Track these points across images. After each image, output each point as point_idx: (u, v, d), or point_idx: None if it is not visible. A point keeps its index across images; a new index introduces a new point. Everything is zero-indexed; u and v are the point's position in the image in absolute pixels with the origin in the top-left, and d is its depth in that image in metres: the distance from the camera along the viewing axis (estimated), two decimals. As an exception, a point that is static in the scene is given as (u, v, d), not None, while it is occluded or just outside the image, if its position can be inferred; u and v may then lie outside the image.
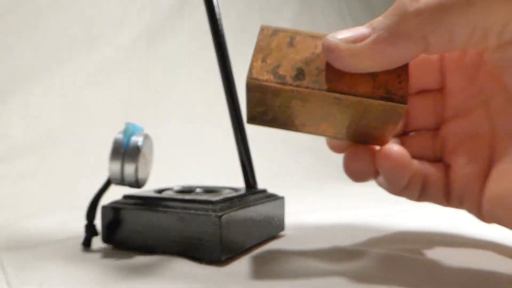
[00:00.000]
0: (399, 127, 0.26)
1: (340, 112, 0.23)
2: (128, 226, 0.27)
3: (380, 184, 0.28)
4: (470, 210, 0.27)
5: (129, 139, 0.27)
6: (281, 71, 0.22)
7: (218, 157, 0.67)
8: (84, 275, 0.22)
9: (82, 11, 0.79)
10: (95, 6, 0.82)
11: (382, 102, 0.22)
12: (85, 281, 0.22)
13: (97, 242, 0.29)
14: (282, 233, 0.34)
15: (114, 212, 0.28)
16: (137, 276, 0.22)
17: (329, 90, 0.22)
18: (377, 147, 0.26)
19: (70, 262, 0.25)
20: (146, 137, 0.27)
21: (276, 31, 0.23)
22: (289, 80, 0.22)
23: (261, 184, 0.33)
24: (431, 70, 0.29)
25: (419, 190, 0.28)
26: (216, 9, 0.29)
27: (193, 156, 0.78)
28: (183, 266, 0.24)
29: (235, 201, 0.28)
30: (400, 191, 0.27)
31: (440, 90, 0.29)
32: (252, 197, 0.30)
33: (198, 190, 0.32)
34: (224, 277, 0.23)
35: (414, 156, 0.28)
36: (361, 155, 0.26)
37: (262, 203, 0.30)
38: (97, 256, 0.26)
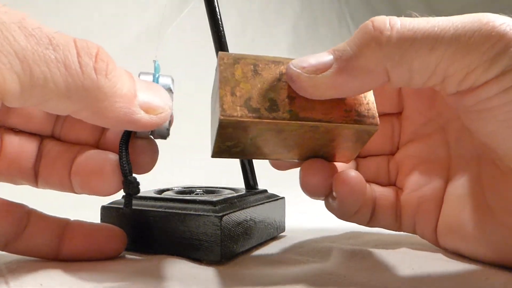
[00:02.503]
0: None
1: (313, 138, 0.23)
2: (128, 226, 0.27)
3: (329, 209, 0.27)
4: (424, 235, 0.28)
5: (158, 79, 0.24)
6: (253, 104, 0.21)
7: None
8: (84, 275, 0.22)
9: (82, 12, 0.79)
10: (96, 7, 0.82)
11: (355, 125, 0.22)
12: (85, 281, 0.21)
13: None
14: (282, 234, 0.33)
15: (114, 212, 0.28)
16: (137, 277, 0.22)
17: (305, 119, 0.22)
18: (336, 165, 0.26)
19: (70, 263, 0.24)
20: (172, 79, 0.24)
21: (236, 59, 0.22)
22: (264, 113, 0.21)
23: (261, 184, 0.33)
24: (390, 94, 0.29)
25: (369, 215, 0.28)
26: (217, 9, 0.29)
27: (193, 157, 0.78)
28: (183, 266, 0.24)
29: (235, 201, 0.28)
30: (351, 217, 0.27)
31: (398, 114, 0.30)
32: (252, 198, 0.30)
33: (198, 190, 0.32)
34: (224, 278, 0.23)
35: (366, 179, 0.28)
36: (317, 169, 0.25)
37: (262, 203, 0.30)
38: (97, 256, 0.26)
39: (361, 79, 0.21)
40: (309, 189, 0.26)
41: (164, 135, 0.24)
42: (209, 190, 0.32)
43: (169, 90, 0.23)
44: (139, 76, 0.23)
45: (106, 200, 0.29)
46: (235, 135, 0.22)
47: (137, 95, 0.21)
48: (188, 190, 0.32)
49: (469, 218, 0.24)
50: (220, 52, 0.23)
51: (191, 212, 0.25)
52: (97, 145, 0.26)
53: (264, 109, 0.21)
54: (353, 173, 0.25)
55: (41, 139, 0.25)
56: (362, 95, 0.23)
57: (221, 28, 0.29)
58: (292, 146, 0.24)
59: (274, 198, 0.32)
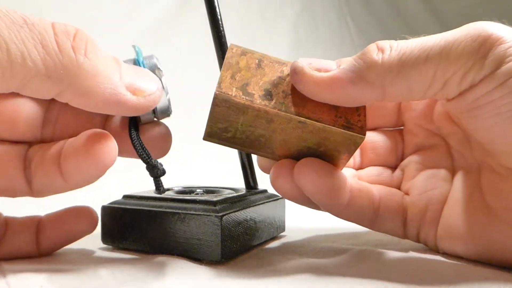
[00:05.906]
0: (351, 158, 0.26)
1: (300, 137, 0.24)
2: (128, 226, 0.27)
3: (318, 208, 0.27)
4: (427, 242, 0.27)
5: (143, 63, 0.23)
6: (249, 89, 0.23)
7: (219, 157, 0.67)
8: (84, 276, 0.22)
9: (82, 12, 0.79)
10: (96, 7, 0.82)
11: (343, 131, 0.23)
12: (85, 282, 0.21)
13: (97, 243, 0.29)
14: (282, 234, 0.33)
15: (114, 212, 0.28)
16: (138, 277, 0.22)
17: (295, 113, 0.23)
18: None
19: (70, 263, 0.25)
20: (157, 58, 0.24)
21: (244, 52, 0.24)
22: (257, 99, 0.23)
23: (261, 184, 0.33)
24: (389, 109, 0.30)
25: (371, 214, 0.27)
26: (217, 9, 0.29)
27: (194, 157, 0.78)
28: (183, 266, 0.24)
29: (235, 201, 0.28)
30: (340, 212, 0.26)
31: (400, 130, 0.31)
32: (252, 198, 0.30)
33: (198, 190, 0.32)
34: (224, 278, 0.23)
35: (372, 181, 0.29)
36: (285, 170, 0.25)
37: (262, 203, 0.30)
38: (97, 257, 0.26)
39: (358, 89, 0.22)
40: (280, 190, 0.25)
41: (167, 112, 0.24)
42: (209, 190, 0.32)
43: (158, 69, 0.23)
44: None
45: (106, 200, 0.29)
46: (227, 117, 0.23)
47: (123, 78, 0.20)
48: (188, 190, 0.32)
49: (469, 220, 0.24)
50: (231, 44, 0.24)
51: (192, 212, 0.25)
52: None
53: (258, 95, 0.23)
54: (312, 160, 0.24)
55: (28, 146, 0.24)
56: (355, 108, 0.23)
57: (221, 28, 0.29)
58: (280, 142, 0.24)
59: (274, 198, 0.32)
